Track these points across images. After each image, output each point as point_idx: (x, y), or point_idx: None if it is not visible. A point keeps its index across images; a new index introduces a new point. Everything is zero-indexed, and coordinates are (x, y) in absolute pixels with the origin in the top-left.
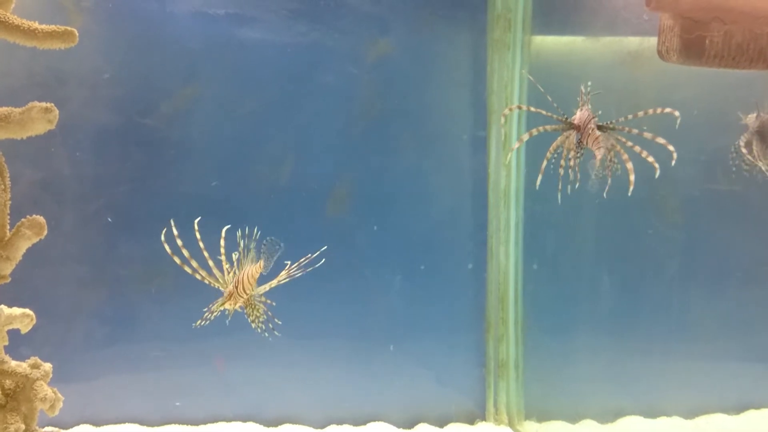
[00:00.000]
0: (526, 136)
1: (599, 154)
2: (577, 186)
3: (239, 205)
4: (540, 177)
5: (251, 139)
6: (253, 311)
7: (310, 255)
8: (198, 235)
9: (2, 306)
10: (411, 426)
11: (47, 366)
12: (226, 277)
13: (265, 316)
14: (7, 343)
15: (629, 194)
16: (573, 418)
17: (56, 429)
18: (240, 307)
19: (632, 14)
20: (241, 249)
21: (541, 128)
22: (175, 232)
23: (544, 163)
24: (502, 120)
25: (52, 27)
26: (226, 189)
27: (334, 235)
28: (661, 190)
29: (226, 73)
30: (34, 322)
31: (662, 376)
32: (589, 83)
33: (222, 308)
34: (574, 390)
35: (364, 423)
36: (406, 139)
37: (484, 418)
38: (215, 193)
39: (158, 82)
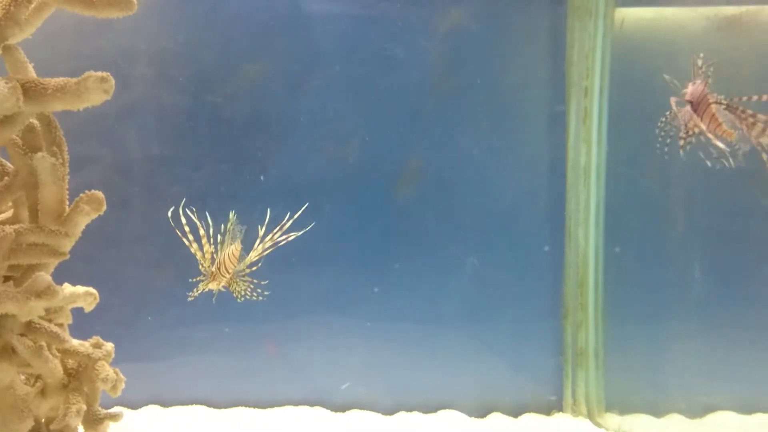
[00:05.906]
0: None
1: (726, 135)
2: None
3: (306, 184)
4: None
5: (318, 116)
6: (236, 288)
7: (288, 218)
8: (184, 220)
9: (66, 284)
10: (484, 415)
11: (109, 346)
12: (206, 259)
13: (249, 289)
14: (71, 322)
15: None
16: (658, 412)
17: (122, 409)
18: (223, 286)
19: None
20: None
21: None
22: (169, 213)
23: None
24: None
25: None
26: (293, 167)
27: (404, 215)
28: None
29: (292, 49)
30: (98, 300)
31: (759, 369)
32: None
33: (206, 288)
34: (660, 382)
35: (435, 410)
36: (479, 115)
37: (561, 409)
38: (282, 172)
39: (225, 58)
